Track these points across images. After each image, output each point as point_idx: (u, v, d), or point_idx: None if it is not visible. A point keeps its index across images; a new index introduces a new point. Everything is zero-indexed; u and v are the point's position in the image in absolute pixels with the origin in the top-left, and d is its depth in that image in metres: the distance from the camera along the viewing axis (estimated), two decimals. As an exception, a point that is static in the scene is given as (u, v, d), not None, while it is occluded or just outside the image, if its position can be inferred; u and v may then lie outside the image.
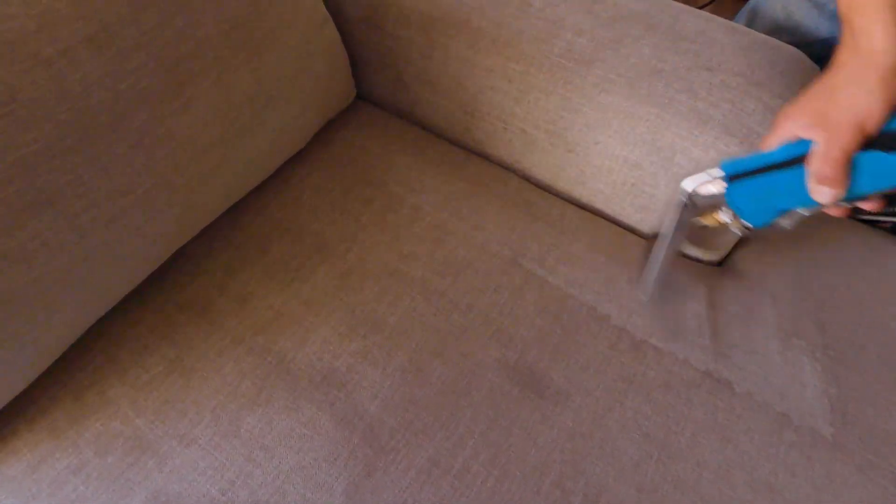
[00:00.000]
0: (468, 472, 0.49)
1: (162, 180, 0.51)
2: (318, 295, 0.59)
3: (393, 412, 0.52)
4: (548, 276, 0.62)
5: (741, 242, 0.67)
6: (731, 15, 0.81)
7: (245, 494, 0.48)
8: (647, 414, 0.53)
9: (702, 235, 0.52)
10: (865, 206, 0.45)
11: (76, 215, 0.45)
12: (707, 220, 0.50)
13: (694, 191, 0.48)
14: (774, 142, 0.45)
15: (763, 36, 0.64)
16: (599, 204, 0.70)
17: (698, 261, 0.67)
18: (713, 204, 0.49)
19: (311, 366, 0.55)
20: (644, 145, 0.61)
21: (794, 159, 0.44)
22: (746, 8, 0.82)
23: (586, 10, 0.64)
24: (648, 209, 0.66)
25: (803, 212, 0.47)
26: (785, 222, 0.48)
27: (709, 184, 0.48)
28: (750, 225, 0.49)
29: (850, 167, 0.41)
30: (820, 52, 0.65)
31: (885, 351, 0.57)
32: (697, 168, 0.59)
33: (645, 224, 0.68)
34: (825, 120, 0.42)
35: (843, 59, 0.43)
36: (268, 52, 0.58)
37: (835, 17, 0.72)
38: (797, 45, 0.65)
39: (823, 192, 0.42)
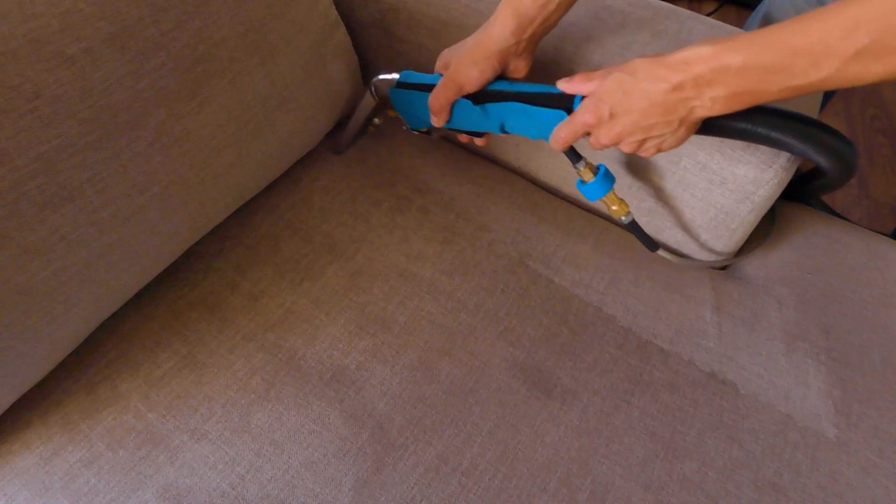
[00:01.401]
0: (476, 470, 0.50)
1: (177, 178, 0.52)
2: (328, 294, 0.60)
3: (402, 409, 0.53)
4: (554, 276, 0.63)
5: (744, 248, 0.67)
6: (735, 23, 0.82)
7: (255, 489, 0.49)
8: (654, 413, 0.53)
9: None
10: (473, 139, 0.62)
11: (95, 211, 0.46)
12: (391, 111, 0.65)
13: (375, 83, 0.63)
14: (436, 68, 0.59)
15: (768, 43, 0.65)
16: (605, 207, 0.70)
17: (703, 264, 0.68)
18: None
19: (320, 363, 0.55)
20: (650, 149, 0.62)
21: (431, 86, 0.57)
22: (758, 14, 0.83)
23: (594, 17, 0.65)
24: (653, 212, 0.67)
25: (434, 128, 0.61)
26: (433, 134, 0.65)
27: (386, 83, 0.62)
28: (409, 126, 0.65)
29: (448, 107, 0.57)
30: None
31: (888, 354, 0.58)
32: (703, 171, 0.61)
33: (650, 227, 0.68)
34: (447, 68, 0.56)
35: (478, 31, 0.54)
36: (281, 55, 0.59)
37: None
38: None
39: (432, 118, 0.59)
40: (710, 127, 0.48)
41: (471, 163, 0.74)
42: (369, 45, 0.75)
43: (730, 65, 0.40)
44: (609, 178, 0.57)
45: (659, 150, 0.50)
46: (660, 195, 0.65)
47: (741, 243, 0.66)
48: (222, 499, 0.48)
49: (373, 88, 0.64)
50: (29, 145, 0.41)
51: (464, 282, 0.62)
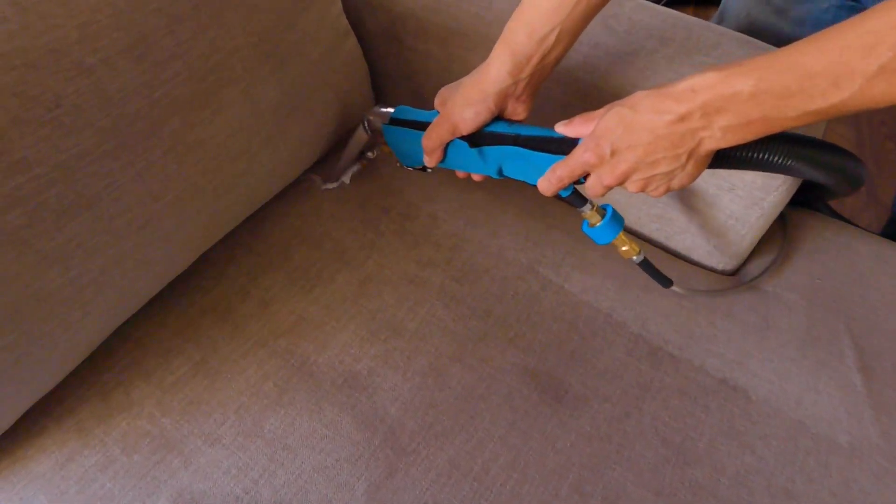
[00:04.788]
0: (487, 475, 0.50)
1: (191, 186, 0.52)
2: (339, 300, 0.61)
3: (413, 415, 0.53)
4: (564, 282, 0.63)
5: (755, 253, 0.68)
6: (742, 30, 0.82)
7: (268, 494, 0.49)
8: (665, 420, 0.53)
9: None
10: (475, 177, 0.58)
11: (112, 218, 0.46)
12: (384, 146, 0.62)
13: (368, 118, 0.61)
14: (434, 105, 0.56)
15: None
16: (614, 213, 0.71)
17: (713, 270, 0.68)
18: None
19: (332, 369, 0.56)
20: (659, 155, 0.62)
21: (426, 124, 0.56)
22: (718, 11, 0.85)
23: (602, 24, 0.66)
24: (662, 218, 0.67)
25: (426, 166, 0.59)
26: (428, 170, 0.62)
27: (380, 118, 0.60)
28: (401, 163, 0.62)
29: (441, 147, 0.55)
30: None
31: (900, 359, 0.58)
32: (712, 177, 0.61)
33: (660, 233, 0.69)
34: (444, 107, 0.54)
35: (476, 69, 0.52)
36: (293, 64, 0.60)
37: (798, 22, 0.74)
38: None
39: (425, 157, 0.57)
40: (722, 160, 0.45)
41: (479, 169, 0.75)
42: (379, 53, 0.76)
43: (740, 91, 0.38)
44: (618, 220, 0.54)
45: (668, 190, 0.47)
46: (668, 201, 0.65)
47: (750, 249, 0.66)
48: (236, 503, 0.48)
49: (365, 122, 0.62)
50: (49, 154, 0.41)
51: (474, 288, 0.62)
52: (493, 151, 0.53)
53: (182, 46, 0.48)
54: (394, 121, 0.59)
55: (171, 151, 0.49)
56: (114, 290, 0.50)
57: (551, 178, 0.49)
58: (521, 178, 0.54)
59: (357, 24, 0.73)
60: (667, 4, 0.82)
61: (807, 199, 0.70)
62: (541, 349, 0.58)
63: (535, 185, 0.52)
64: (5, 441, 0.51)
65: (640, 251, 0.56)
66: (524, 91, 0.51)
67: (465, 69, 0.70)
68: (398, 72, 0.76)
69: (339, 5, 0.66)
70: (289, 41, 0.59)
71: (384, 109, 0.60)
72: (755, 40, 0.66)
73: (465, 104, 0.51)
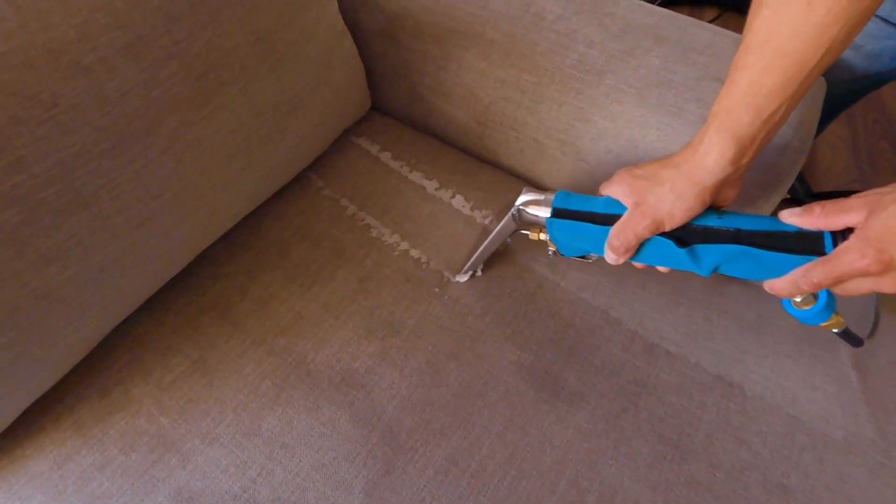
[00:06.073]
0: (485, 471, 0.50)
1: (189, 184, 0.53)
2: (338, 299, 0.61)
3: (411, 412, 0.53)
4: (560, 280, 0.63)
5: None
6: (737, 30, 0.82)
7: (266, 492, 0.49)
8: (661, 416, 0.54)
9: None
10: (660, 269, 0.50)
11: (110, 217, 0.46)
12: (532, 234, 0.55)
13: (521, 208, 0.53)
14: (606, 192, 0.49)
15: (770, 48, 0.65)
16: (610, 212, 0.71)
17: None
18: (537, 223, 0.53)
19: (330, 367, 0.56)
20: (655, 154, 0.63)
21: (608, 217, 0.48)
22: None
23: (597, 23, 0.66)
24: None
25: (602, 257, 0.51)
26: (591, 258, 0.54)
27: (537, 207, 0.52)
28: (559, 252, 0.54)
29: (637, 246, 0.47)
30: (855, 88, 0.66)
31: (895, 356, 0.58)
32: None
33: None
34: (639, 200, 0.46)
35: (681, 157, 0.45)
36: (290, 63, 0.60)
37: (873, 57, 0.74)
38: (834, 82, 0.66)
39: (609, 255, 0.49)
40: None
41: (476, 169, 0.75)
42: (375, 53, 0.76)
43: None
44: (831, 305, 0.45)
45: None
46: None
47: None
48: (234, 502, 0.48)
49: (516, 212, 0.53)
50: (47, 152, 0.41)
51: (471, 286, 0.62)
52: (708, 251, 0.45)
53: (180, 45, 0.48)
54: (558, 212, 0.50)
55: (170, 150, 0.49)
56: (113, 288, 0.50)
57: (801, 283, 0.42)
58: (743, 277, 0.46)
59: (354, 24, 0.73)
60: (662, 4, 0.83)
61: (794, 194, 0.70)
62: (537, 346, 0.58)
63: (756, 280, 0.45)
64: (3, 440, 0.51)
65: (843, 322, 0.48)
66: (741, 175, 0.45)
67: (461, 67, 0.71)
68: (394, 71, 0.77)
69: (336, 5, 0.66)
70: (286, 40, 0.59)
71: (537, 196, 0.52)
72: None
73: (675, 199, 0.44)
